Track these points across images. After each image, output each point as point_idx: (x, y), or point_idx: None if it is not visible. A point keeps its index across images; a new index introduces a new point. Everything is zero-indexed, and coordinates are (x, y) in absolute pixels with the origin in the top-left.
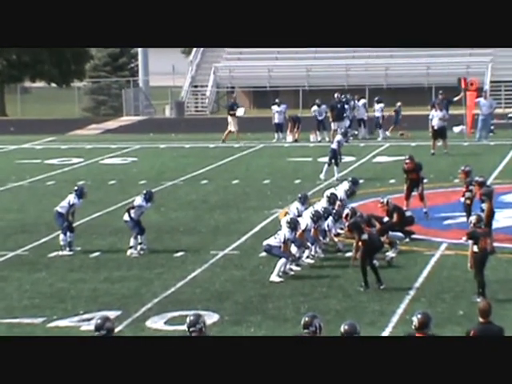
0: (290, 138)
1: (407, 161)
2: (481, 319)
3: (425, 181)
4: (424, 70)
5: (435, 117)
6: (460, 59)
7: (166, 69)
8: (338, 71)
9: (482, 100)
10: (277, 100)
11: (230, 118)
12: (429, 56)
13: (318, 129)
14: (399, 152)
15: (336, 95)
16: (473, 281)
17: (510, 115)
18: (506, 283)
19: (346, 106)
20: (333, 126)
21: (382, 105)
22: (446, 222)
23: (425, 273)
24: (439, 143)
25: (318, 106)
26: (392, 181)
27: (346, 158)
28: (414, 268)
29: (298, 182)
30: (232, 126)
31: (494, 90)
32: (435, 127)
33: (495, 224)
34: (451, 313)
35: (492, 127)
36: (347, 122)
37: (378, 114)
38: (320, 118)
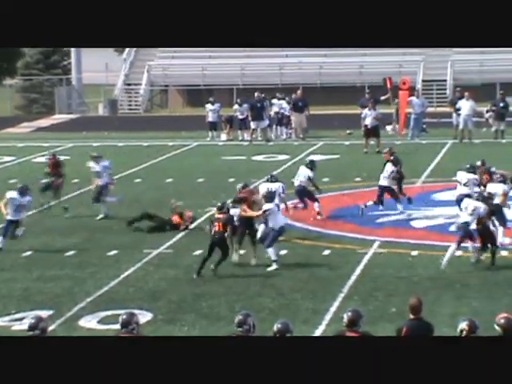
0: (224, 136)
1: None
2: (411, 316)
3: (358, 179)
4: (357, 69)
5: (368, 116)
6: (392, 58)
7: (99, 67)
8: (272, 70)
9: (414, 99)
10: (211, 99)
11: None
12: (362, 55)
13: (239, 128)
14: (333, 151)
15: (256, 94)
16: (405, 278)
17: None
18: (437, 280)
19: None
20: (252, 125)
21: (281, 102)
22: (379, 221)
23: (358, 271)
24: (372, 142)
25: (240, 104)
26: (325, 179)
27: (279, 157)
28: (347, 266)
29: (232, 180)
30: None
31: (426, 89)
32: (368, 126)
33: (427, 223)
34: (383, 310)
35: (424, 126)
36: (266, 122)
37: (275, 110)
38: (241, 117)
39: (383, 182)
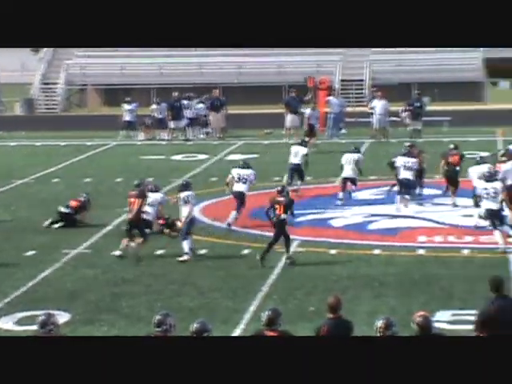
0: (142, 136)
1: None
2: (330, 315)
3: (277, 178)
4: (276, 68)
5: (311, 115)
6: (311, 58)
7: (15, 65)
8: (191, 69)
9: (332, 98)
10: (127, 98)
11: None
12: (280, 55)
13: (158, 127)
14: (252, 150)
15: (175, 94)
16: (324, 277)
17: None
18: (355, 279)
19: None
20: (172, 124)
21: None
22: (298, 220)
23: (277, 270)
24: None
25: (158, 104)
26: None
27: (198, 156)
28: (266, 265)
29: (151, 179)
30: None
31: (345, 88)
32: (313, 125)
33: (345, 221)
34: (303, 309)
35: (343, 125)
36: (185, 122)
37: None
38: (160, 117)
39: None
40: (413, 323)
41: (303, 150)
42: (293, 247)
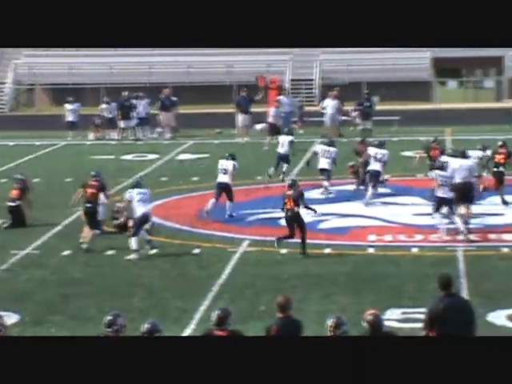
0: (91, 135)
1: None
2: (280, 314)
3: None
4: (226, 68)
5: (276, 114)
6: (261, 57)
7: None
8: (141, 68)
9: (283, 98)
10: (69, 98)
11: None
12: (231, 54)
13: (107, 127)
14: (202, 150)
15: (125, 93)
16: (274, 276)
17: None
18: (305, 278)
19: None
20: (121, 124)
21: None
22: (249, 219)
23: (228, 269)
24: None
25: (108, 103)
26: (195, 178)
27: (149, 156)
28: (217, 265)
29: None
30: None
31: (295, 88)
32: (276, 124)
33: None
34: (253, 308)
35: (294, 125)
36: (135, 121)
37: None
38: (110, 116)
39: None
40: (363, 322)
41: (289, 138)
42: (243, 247)
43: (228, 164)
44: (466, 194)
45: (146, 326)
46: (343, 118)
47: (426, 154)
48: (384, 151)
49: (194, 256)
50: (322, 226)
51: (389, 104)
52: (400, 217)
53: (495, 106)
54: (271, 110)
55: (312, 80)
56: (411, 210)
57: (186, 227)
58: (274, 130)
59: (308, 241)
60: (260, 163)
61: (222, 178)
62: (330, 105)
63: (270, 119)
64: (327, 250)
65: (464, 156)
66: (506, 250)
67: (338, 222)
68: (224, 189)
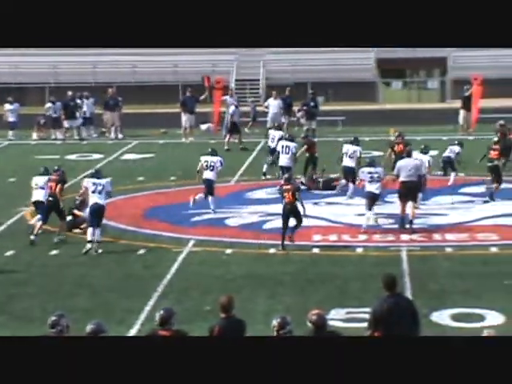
0: (35, 135)
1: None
2: (223, 314)
3: (173, 178)
4: (171, 67)
5: (236, 113)
6: (206, 57)
7: None
8: (86, 68)
9: (228, 98)
10: (9, 98)
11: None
12: (176, 54)
13: (52, 127)
14: (147, 150)
15: (69, 93)
16: (219, 276)
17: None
18: (250, 278)
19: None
20: (66, 124)
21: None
22: (194, 219)
23: (173, 269)
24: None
25: (52, 103)
26: (140, 178)
27: (94, 156)
28: (162, 265)
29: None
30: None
31: (240, 88)
32: (237, 123)
33: (240, 221)
34: (198, 308)
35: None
36: (80, 121)
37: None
38: (54, 116)
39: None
40: (307, 321)
41: (278, 134)
42: (188, 247)
43: (215, 160)
44: (410, 192)
45: (90, 327)
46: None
47: (391, 150)
48: (357, 148)
49: (139, 256)
50: (267, 226)
51: (334, 104)
52: (344, 217)
53: (439, 106)
54: (231, 109)
55: (257, 80)
56: (355, 210)
57: (132, 227)
58: (235, 129)
59: (253, 241)
60: None
61: (208, 175)
62: (272, 104)
63: (231, 118)
64: (272, 250)
65: (409, 156)
66: (449, 249)
67: None
68: (207, 185)
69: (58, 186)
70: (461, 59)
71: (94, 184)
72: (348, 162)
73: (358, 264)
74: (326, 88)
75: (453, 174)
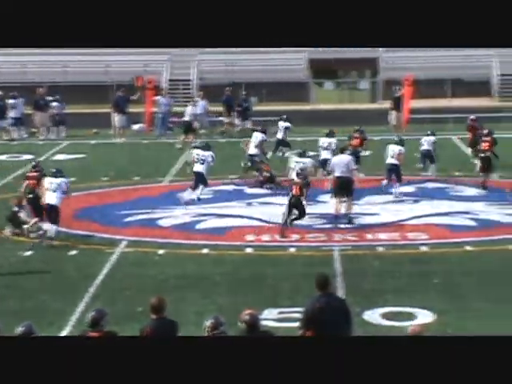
0: None
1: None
2: (153, 315)
3: (105, 178)
4: (103, 67)
5: (193, 111)
6: (138, 57)
7: None
8: (15, 68)
9: (160, 98)
10: None
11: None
12: (107, 54)
13: None
14: (78, 150)
15: None
16: (152, 277)
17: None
18: (183, 279)
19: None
20: None
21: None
22: (126, 220)
23: (105, 270)
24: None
25: None
26: (72, 179)
27: (24, 156)
28: (94, 266)
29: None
30: None
31: (172, 88)
32: (191, 122)
33: (172, 221)
34: (131, 309)
35: (170, 125)
36: (9, 121)
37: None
38: None
39: (391, 160)
40: (240, 322)
41: (259, 136)
42: (120, 248)
43: (206, 154)
44: (345, 187)
45: (20, 329)
46: (220, 118)
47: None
48: (332, 140)
49: (71, 257)
50: (200, 226)
51: (267, 105)
52: (277, 217)
53: (370, 107)
54: (188, 109)
55: (190, 80)
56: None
57: (63, 228)
58: (190, 129)
59: (185, 241)
60: (136, 163)
61: (199, 168)
62: (198, 105)
63: (186, 117)
64: (205, 251)
65: (343, 152)
66: (381, 249)
67: (215, 222)
68: (197, 177)
69: (32, 182)
70: (392, 60)
71: (49, 183)
72: (324, 154)
73: (291, 264)
74: (260, 88)
75: (433, 166)
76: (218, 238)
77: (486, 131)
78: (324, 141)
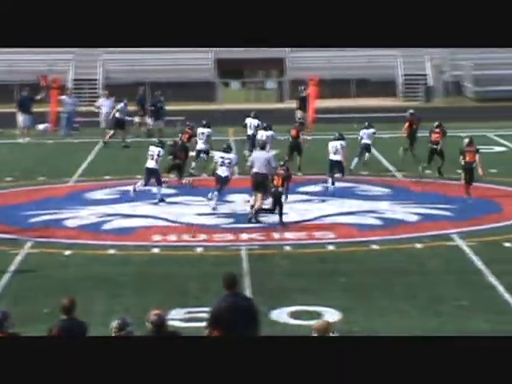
0: None
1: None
2: (64, 316)
3: (9, 179)
4: (6, 67)
5: (122, 108)
6: (43, 57)
7: None
8: None
9: (65, 98)
10: None
11: None
12: (12, 53)
13: None
14: None
15: None
16: (58, 278)
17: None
18: (91, 279)
19: None
20: None
21: None
22: (31, 220)
23: (10, 271)
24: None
25: None
26: None
27: None
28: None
29: None
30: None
31: (78, 88)
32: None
33: (79, 222)
34: (36, 311)
35: (76, 125)
36: None
37: None
38: None
39: (334, 157)
40: (147, 322)
41: (255, 122)
42: (26, 249)
43: (155, 150)
44: (261, 183)
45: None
46: (130, 118)
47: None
48: (269, 132)
49: None
50: (106, 226)
51: (174, 104)
52: (184, 217)
53: (277, 106)
54: (118, 106)
55: (95, 80)
56: (195, 210)
57: None
58: (119, 126)
59: (92, 242)
60: (42, 164)
61: (150, 164)
62: (104, 104)
63: (118, 115)
64: (112, 251)
65: (263, 148)
66: (288, 248)
67: (122, 222)
68: (151, 174)
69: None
70: (298, 60)
71: None
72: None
73: (198, 264)
74: (166, 88)
75: (367, 155)
76: (125, 238)
77: (436, 123)
78: (262, 134)
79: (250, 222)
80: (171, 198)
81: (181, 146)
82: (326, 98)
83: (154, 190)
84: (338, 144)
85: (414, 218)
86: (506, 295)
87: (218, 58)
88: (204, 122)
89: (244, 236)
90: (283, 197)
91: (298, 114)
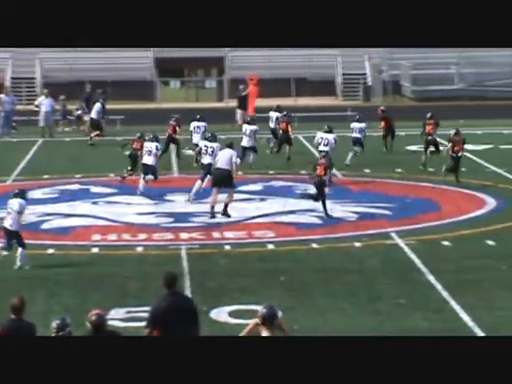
0: None
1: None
2: (13, 316)
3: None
4: None
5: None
6: None
7: None
8: None
9: (3, 96)
10: None
11: None
12: None
13: None
14: None
15: None
16: (9, 281)
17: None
18: (30, 279)
19: None
20: None
21: None
22: None
23: None
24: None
25: None
26: None
27: None
28: None
29: None
30: None
31: (16, 86)
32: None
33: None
34: None
35: (14, 124)
36: None
37: None
38: None
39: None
40: (87, 322)
41: (252, 128)
42: None
43: (152, 145)
44: (223, 179)
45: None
46: (70, 117)
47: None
48: (254, 127)
49: None
50: (45, 226)
51: (113, 103)
52: (124, 216)
53: (217, 105)
54: (96, 106)
55: (33, 78)
56: (135, 210)
57: None
58: (97, 126)
59: (31, 241)
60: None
61: (147, 160)
62: (44, 103)
63: (93, 115)
64: (51, 251)
65: (230, 147)
66: (227, 247)
67: (61, 221)
68: (149, 169)
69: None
70: (237, 59)
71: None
72: (245, 141)
73: (138, 263)
74: (105, 87)
75: (358, 149)
76: (64, 237)
77: (429, 114)
78: (246, 127)
79: (213, 217)
80: (110, 197)
81: (168, 138)
82: (266, 97)
83: (94, 189)
84: (331, 137)
85: (354, 217)
86: (444, 293)
87: (157, 57)
88: (198, 117)
89: (184, 235)
90: (326, 187)
91: (238, 112)
